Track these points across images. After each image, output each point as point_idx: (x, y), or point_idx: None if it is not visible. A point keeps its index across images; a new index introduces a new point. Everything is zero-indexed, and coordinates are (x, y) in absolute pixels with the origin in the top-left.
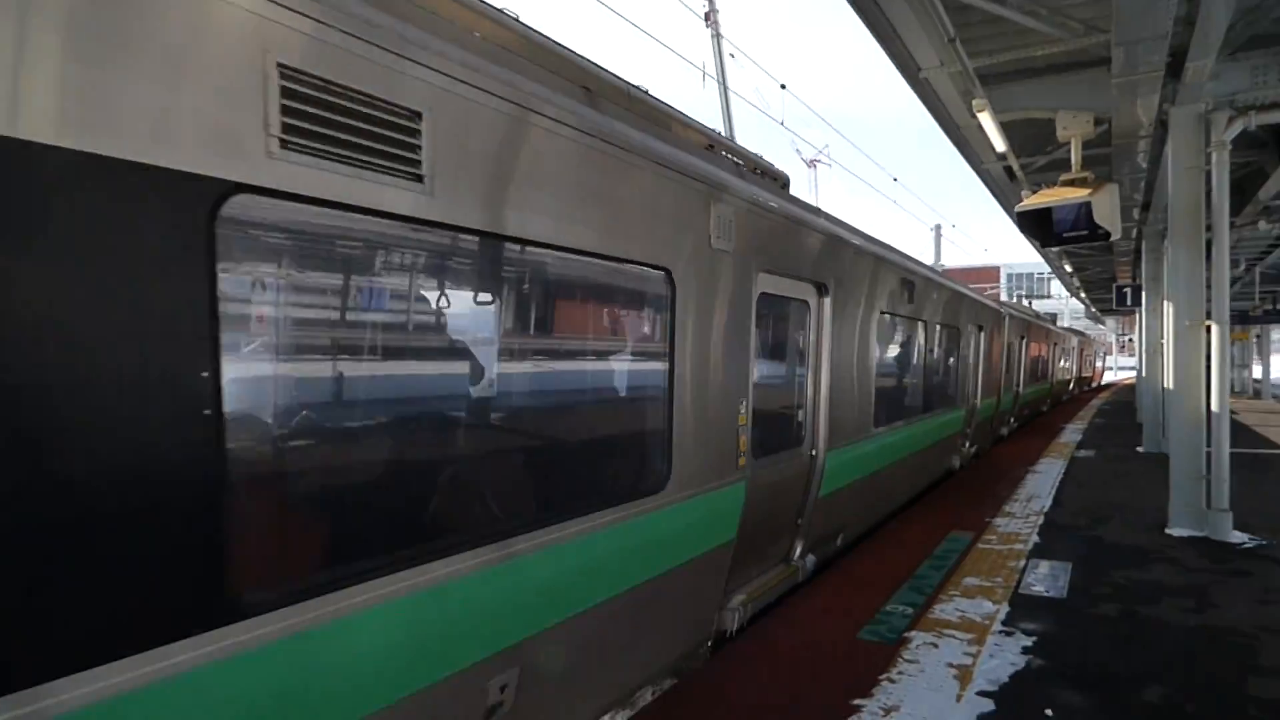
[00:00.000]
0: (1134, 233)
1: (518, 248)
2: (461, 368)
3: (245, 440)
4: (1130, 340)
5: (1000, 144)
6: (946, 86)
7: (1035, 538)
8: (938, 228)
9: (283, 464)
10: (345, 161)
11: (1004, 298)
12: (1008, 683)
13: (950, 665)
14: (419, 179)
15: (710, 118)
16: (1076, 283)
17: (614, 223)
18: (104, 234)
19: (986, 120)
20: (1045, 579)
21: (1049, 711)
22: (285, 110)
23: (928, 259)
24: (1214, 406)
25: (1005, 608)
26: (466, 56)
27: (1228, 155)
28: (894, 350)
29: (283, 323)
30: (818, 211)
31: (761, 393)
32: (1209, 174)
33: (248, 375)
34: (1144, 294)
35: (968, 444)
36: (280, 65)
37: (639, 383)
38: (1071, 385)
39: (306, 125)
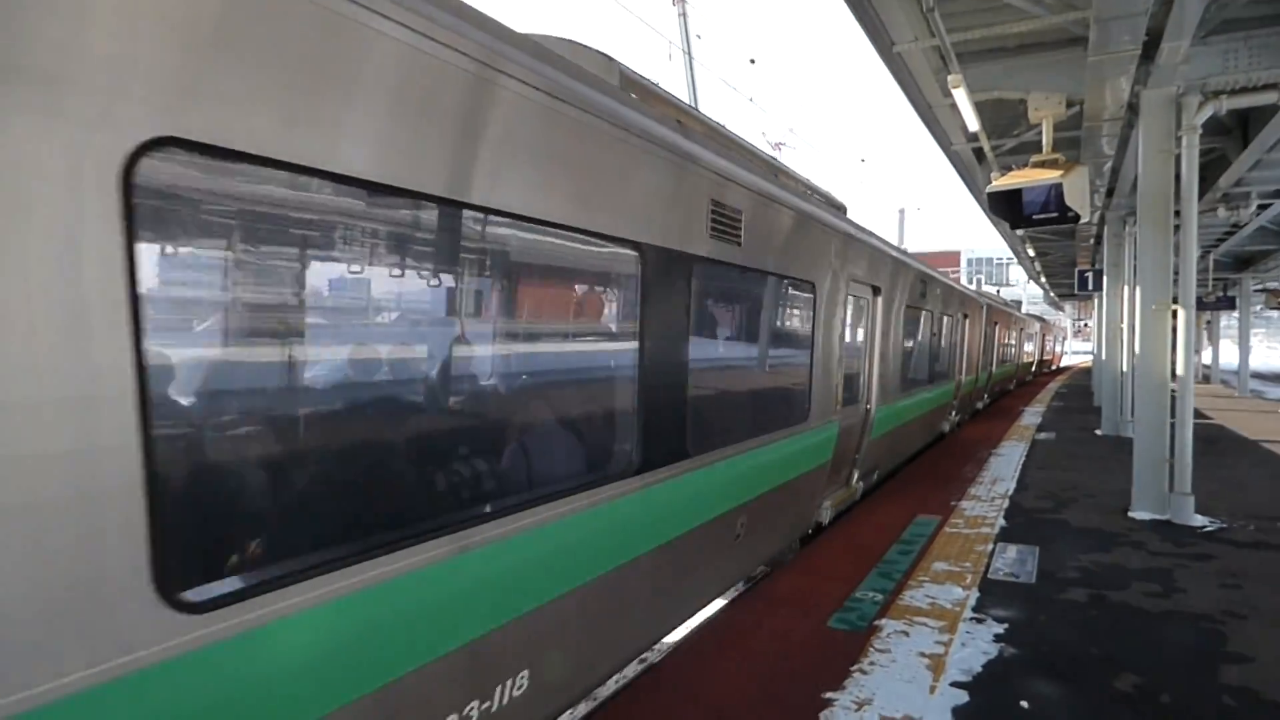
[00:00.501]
0: (1096, 218)
1: (767, 278)
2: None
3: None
4: (1086, 325)
5: (973, 123)
6: (920, 62)
7: (1001, 521)
8: (902, 211)
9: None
10: (724, 239)
11: (964, 282)
12: (981, 673)
13: (922, 655)
14: (740, 244)
15: (678, 90)
16: (1038, 267)
17: (794, 259)
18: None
19: (961, 96)
20: (1014, 564)
21: (1024, 703)
22: (712, 220)
23: (891, 241)
24: (1179, 390)
25: (975, 594)
26: (763, 184)
27: (1198, 139)
28: (913, 335)
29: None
30: (870, 233)
31: (845, 363)
32: (1178, 158)
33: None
34: (1105, 278)
35: (954, 413)
36: (711, 199)
37: (800, 353)
38: (1034, 366)
39: (718, 227)
